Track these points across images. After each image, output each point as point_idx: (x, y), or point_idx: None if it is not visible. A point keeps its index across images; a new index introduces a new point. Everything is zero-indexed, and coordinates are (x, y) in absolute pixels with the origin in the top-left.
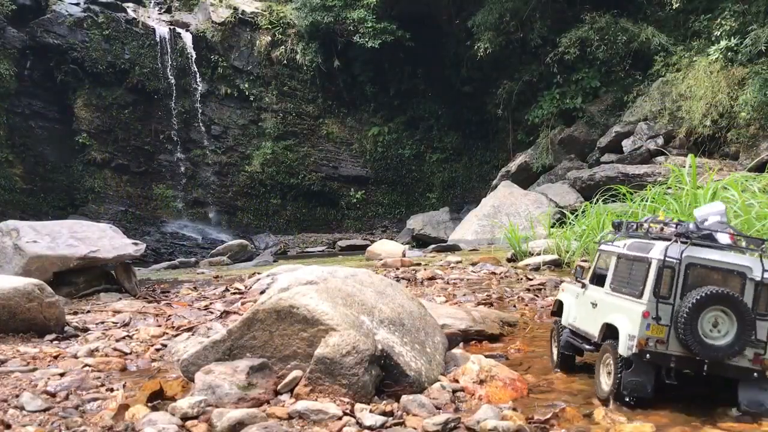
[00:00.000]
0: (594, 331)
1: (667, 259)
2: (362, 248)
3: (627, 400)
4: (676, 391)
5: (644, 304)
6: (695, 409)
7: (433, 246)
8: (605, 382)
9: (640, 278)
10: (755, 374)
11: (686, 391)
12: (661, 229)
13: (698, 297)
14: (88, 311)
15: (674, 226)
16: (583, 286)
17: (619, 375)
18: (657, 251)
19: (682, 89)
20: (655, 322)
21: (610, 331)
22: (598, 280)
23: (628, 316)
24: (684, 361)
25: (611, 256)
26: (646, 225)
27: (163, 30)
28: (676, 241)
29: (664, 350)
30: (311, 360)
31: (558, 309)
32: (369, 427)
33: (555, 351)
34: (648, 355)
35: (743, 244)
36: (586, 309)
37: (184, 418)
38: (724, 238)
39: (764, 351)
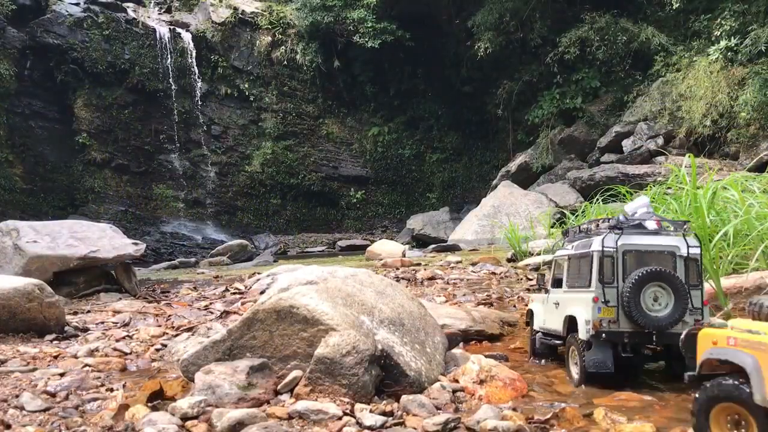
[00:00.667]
0: (559, 326)
1: (605, 249)
2: (362, 248)
3: (592, 372)
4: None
5: (593, 291)
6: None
7: (433, 246)
8: (574, 371)
9: (587, 271)
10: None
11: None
12: (597, 226)
13: (637, 277)
14: (88, 311)
15: (610, 220)
16: (546, 291)
17: (583, 357)
18: (596, 244)
19: (682, 89)
20: (605, 305)
21: (571, 323)
22: (558, 283)
23: (583, 306)
24: (635, 336)
25: (564, 260)
26: (586, 226)
27: (163, 30)
28: (611, 233)
29: (617, 328)
30: (311, 360)
31: (530, 318)
32: (369, 427)
33: (530, 350)
34: (604, 335)
35: (670, 227)
36: (551, 310)
37: (184, 418)
38: (651, 225)
39: (702, 316)
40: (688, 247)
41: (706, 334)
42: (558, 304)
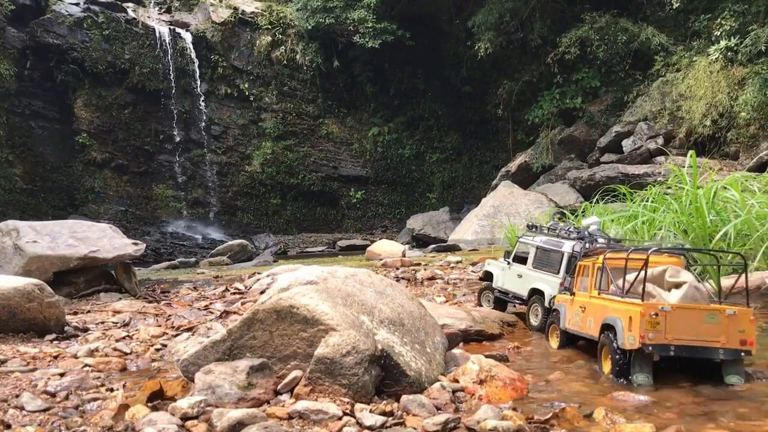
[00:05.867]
0: (523, 292)
1: (573, 251)
2: (362, 248)
3: (546, 325)
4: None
5: (560, 278)
6: (696, 408)
7: (433, 246)
8: (534, 320)
9: (557, 262)
10: None
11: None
12: (565, 231)
13: None
14: (88, 311)
15: (575, 231)
16: (509, 263)
17: (545, 317)
18: (568, 247)
19: (682, 89)
20: (564, 288)
21: (534, 292)
22: (519, 260)
23: (549, 285)
24: None
25: (530, 246)
26: (557, 230)
27: (163, 30)
28: (577, 241)
29: None
30: (311, 360)
31: (486, 276)
32: (369, 427)
33: (485, 302)
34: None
35: (611, 241)
36: (513, 278)
37: (184, 418)
38: (601, 239)
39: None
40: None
41: None
42: (521, 275)
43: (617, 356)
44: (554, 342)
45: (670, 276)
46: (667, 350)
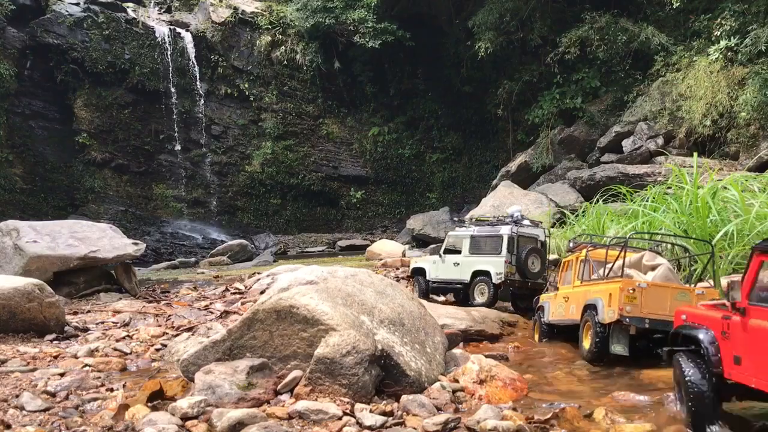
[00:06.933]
0: (464, 277)
1: (511, 234)
2: (362, 248)
3: (499, 299)
4: None
5: (504, 257)
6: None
7: (433, 246)
8: (479, 298)
9: (498, 245)
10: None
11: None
12: (499, 221)
13: (525, 251)
14: (88, 311)
15: (508, 219)
16: (440, 256)
17: (492, 292)
18: (506, 230)
19: (682, 89)
20: (509, 265)
21: (478, 274)
22: (452, 252)
23: (493, 265)
24: (521, 282)
25: (462, 238)
26: (491, 219)
27: (163, 30)
28: (512, 225)
29: (513, 278)
30: (311, 360)
31: (416, 272)
32: (369, 427)
33: (418, 292)
34: (507, 281)
35: (536, 224)
36: (449, 268)
37: (184, 418)
38: (527, 222)
39: (546, 276)
40: (544, 236)
41: None
42: (458, 264)
43: (598, 329)
44: (537, 336)
45: (647, 260)
46: (642, 323)
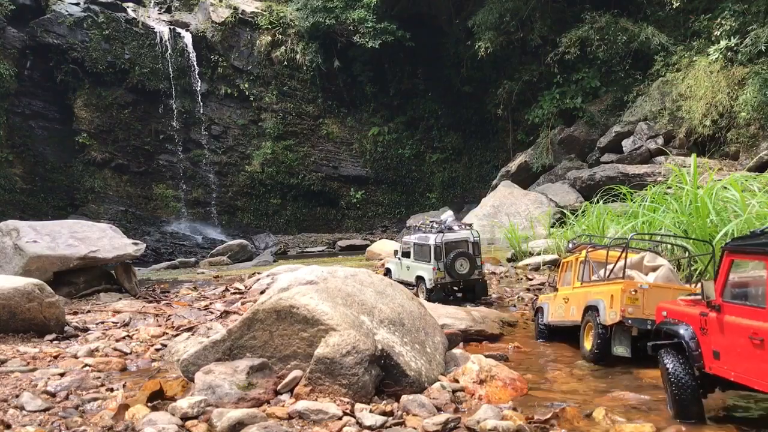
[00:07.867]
0: (411, 279)
1: (436, 242)
2: (362, 248)
3: (434, 300)
4: None
5: (432, 264)
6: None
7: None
8: (421, 297)
9: (428, 253)
10: (480, 281)
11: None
12: (431, 227)
13: (452, 255)
14: (88, 311)
15: (436, 225)
16: (400, 259)
17: (428, 294)
18: (432, 239)
19: (682, 89)
20: (438, 270)
21: (419, 279)
22: (407, 255)
23: (426, 271)
24: (453, 283)
25: (410, 243)
26: (425, 227)
27: (163, 30)
28: (438, 233)
29: (444, 280)
30: (311, 360)
31: (387, 271)
32: (369, 427)
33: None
34: (439, 285)
35: (468, 227)
36: (404, 270)
37: (184, 418)
38: (457, 227)
39: (481, 271)
40: (473, 237)
41: None
42: (409, 267)
43: (600, 331)
44: (536, 335)
45: (647, 261)
46: (644, 324)
